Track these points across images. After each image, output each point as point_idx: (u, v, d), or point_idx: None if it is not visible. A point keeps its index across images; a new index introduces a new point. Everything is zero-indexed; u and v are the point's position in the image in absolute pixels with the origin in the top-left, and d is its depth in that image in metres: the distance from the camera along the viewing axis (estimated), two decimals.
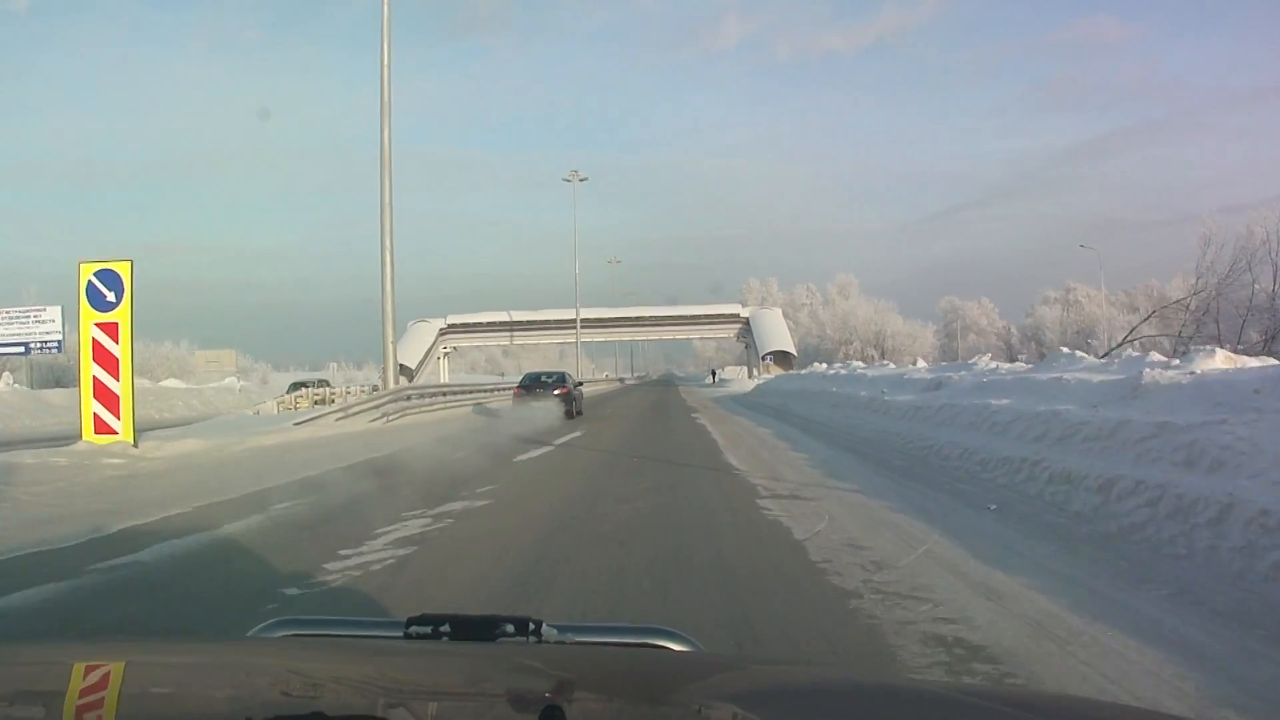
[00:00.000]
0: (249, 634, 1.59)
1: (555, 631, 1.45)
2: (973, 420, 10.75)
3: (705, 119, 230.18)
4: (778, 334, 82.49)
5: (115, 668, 1.37)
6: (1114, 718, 1.54)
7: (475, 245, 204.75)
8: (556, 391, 25.34)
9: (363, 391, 29.52)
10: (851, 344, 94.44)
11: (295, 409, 23.50)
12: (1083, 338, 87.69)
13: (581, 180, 76.79)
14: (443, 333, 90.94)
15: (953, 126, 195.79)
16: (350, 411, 18.32)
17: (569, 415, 23.51)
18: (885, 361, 44.96)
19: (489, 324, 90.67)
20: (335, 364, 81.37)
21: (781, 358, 79.55)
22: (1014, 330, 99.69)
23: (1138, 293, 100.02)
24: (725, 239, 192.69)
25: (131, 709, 1.14)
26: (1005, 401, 10.50)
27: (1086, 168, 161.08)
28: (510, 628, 1.43)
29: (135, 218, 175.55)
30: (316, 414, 17.62)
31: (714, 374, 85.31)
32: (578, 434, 17.87)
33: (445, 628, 1.44)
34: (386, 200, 22.73)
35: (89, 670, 1.35)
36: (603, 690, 1.26)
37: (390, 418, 20.28)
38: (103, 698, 1.23)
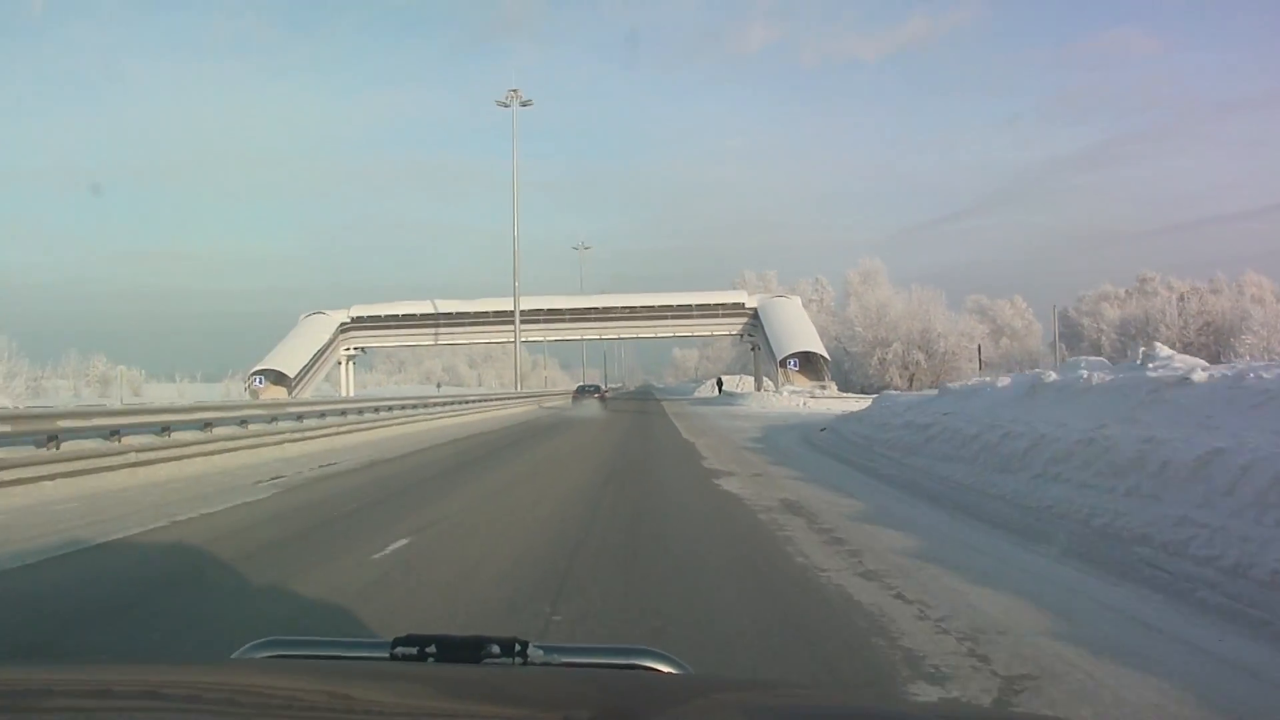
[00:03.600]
0: (233, 656, 1.55)
1: (541, 653, 1.42)
2: None
3: (702, 127, 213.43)
4: (799, 330, 59.44)
5: (98, 691, 1.35)
6: None
7: (463, 254, 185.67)
8: (595, 395, 47.21)
9: None
10: (890, 345, 71.56)
11: None
12: (1211, 334, 65.48)
13: (524, 105, 53.72)
14: (344, 329, 67.07)
15: (953, 137, 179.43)
16: None
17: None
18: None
19: (406, 317, 66.88)
20: None
21: (808, 363, 56.58)
22: (1103, 329, 76.97)
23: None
24: (716, 249, 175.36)
25: None
26: None
27: (1081, 177, 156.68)
28: (496, 649, 1.41)
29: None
30: None
31: (719, 384, 62.09)
32: None
33: (431, 649, 1.42)
34: None
35: (70, 693, 1.33)
36: (587, 713, 1.22)
37: None
38: None
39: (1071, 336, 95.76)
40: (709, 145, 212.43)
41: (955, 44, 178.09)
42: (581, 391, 48.71)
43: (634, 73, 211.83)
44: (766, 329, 60.08)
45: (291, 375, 60.08)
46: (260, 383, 58.78)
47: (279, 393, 58.78)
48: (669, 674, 1.46)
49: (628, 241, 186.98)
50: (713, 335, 75.78)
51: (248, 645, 1.54)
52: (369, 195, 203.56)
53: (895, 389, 69.79)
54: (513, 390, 58.51)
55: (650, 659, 1.49)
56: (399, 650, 1.42)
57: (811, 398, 40.87)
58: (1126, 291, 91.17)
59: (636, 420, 29.14)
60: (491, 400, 42.56)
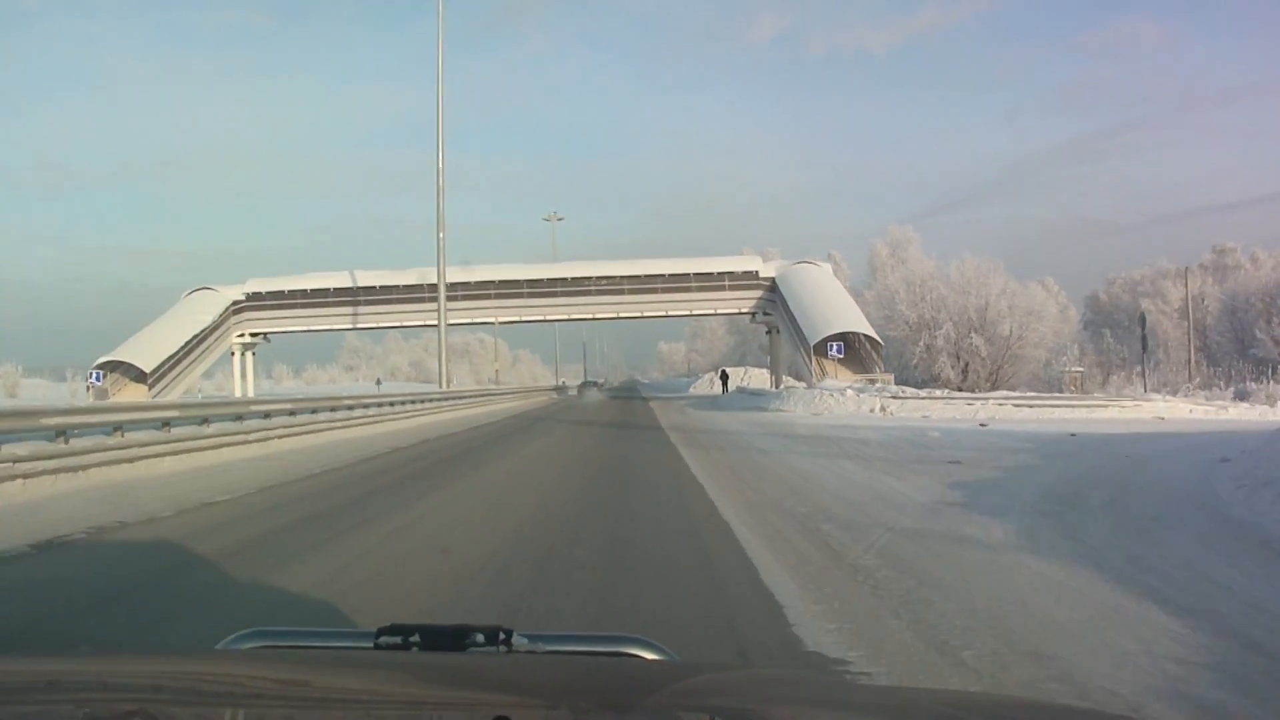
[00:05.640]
0: (219, 646, 1.52)
1: (526, 641, 1.41)
2: None
3: (696, 120, 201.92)
4: (837, 305, 44.25)
5: (83, 682, 1.36)
6: None
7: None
8: (594, 387, 66.40)
9: None
10: (940, 328, 56.18)
11: None
12: None
13: None
14: (238, 309, 51.21)
15: (950, 129, 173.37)
16: None
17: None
18: None
19: (316, 293, 51.06)
20: None
21: (851, 349, 41.34)
22: (1206, 314, 61.49)
23: None
24: (709, 239, 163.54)
25: None
26: None
27: (1069, 169, 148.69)
28: (480, 637, 1.40)
29: None
30: None
31: (724, 378, 46.86)
32: None
33: (415, 638, 1.41)
34: None
35: (55, 684, 1.34)
36: (571, 700, 1.21)
37: None
38: (71, 713, 1.22)
39: (1109, 323, 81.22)
40: (703, 138, 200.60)
41: (951, 37, 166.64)
42: (585, 385, 68.31)
43: (625, 66, 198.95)
44: (791, 305, 44.83)
45: (149, 369, 44.31)
46: (98, 379, 42.92)
47: (138, 392, 43.16)
48: (654, 660, 1.44)
49: (614, 235, 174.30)
50: (717, 314, 60.09)
51: (233, 636, 1.51)
52: (333, 191, 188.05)
53: (946, 382, 54.89)
54: (472, 388, 42.86)
55: (635, 646, 1.46)
56: (383, 640, 1.40)
57: (893, 399, 25.62)
58: (1202, 266, 76.33)
59: (609, 466, 13.66)
60: (420, 403, 27.06)
